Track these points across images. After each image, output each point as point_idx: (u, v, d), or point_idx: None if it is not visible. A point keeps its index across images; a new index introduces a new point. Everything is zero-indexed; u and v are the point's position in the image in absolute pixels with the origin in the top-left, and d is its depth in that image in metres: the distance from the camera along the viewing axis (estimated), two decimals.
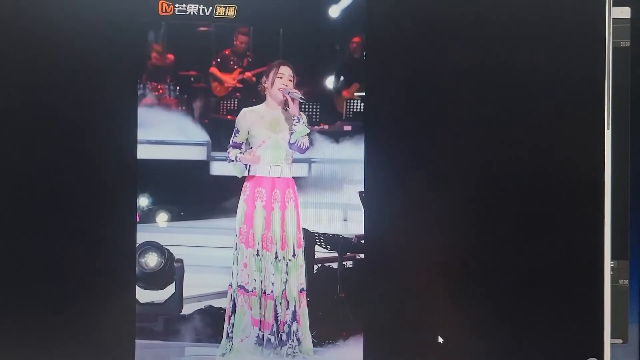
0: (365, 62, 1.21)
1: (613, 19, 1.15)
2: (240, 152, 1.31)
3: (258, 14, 1.23)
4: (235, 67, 1.28)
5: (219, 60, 1.27)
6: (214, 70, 1.27)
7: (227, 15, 1.23)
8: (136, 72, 1.23)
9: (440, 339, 1.19)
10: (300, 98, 1.27)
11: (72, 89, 1.22)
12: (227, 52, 1.27)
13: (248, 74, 1.29)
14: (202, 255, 1.31)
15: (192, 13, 1.24)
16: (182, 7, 1.24)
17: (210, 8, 1.24)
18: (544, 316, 1.17)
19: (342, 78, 1.25)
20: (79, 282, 1.23)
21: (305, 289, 1.32)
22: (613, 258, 1.20)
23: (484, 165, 1.18)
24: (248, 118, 1.31)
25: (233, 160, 1.31)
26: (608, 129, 1.15)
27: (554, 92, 1.16)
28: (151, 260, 1.28)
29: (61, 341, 1.23)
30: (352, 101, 1.25)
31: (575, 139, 1.16)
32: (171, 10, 1.24)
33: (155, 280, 1.29)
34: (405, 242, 1.20)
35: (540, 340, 1.17)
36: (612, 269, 1.23)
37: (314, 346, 1.28)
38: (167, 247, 1.28)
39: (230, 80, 1.28)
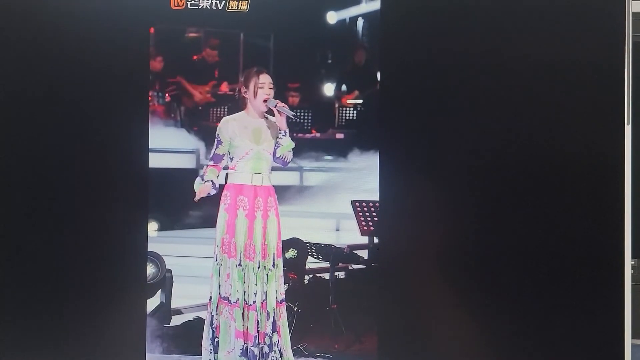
0: (378, 68, 1.19)
1: (633, 12, 1.15)
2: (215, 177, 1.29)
3: (250, 19, 1.21)
4: (215, 78, 1.26)
5: (197, 69, 1.25)
6: (191, 80, 1.25)
7: (240, 9, 1.21)
8: (145, 76, 1.21)
9: None
10: (294, 115, 1.26)
11: (82, 91, 1.20)
12: (203, 60, 1.25)
13: (224, 87, 1.27)
14: (191, 266, 1.29)
15: (204, 7, 1.21)
16: (194, 1, 1.21)
17: (223, 2, 1.21)
18: (563, 317, 1.16)
19: (340, 85, 1.24)
20: (86, 290, 1.20)
21: (284, 299, 1.30)
22: (633, 257, 1.19)
23: (501, 164, 1.17)
24: (230, 127, 1.29)
25: (202, 181, 1.29)
26: (628, 124, 1.14)
27: (573, 87, 1.15)
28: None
29: (70, 348, 1.21)
30: (344, 109, 1.24)
31: (595, 134, 1.15)
32: (183, 4, 1.21)
33: None
34: (414, 249, 1.18)
35: (560, 340, 1.17)
36: (633, 267, 1.22)
37: (305, 358, 1.25)
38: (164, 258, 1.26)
39: (201, 93, 1.26)
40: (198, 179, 1.28)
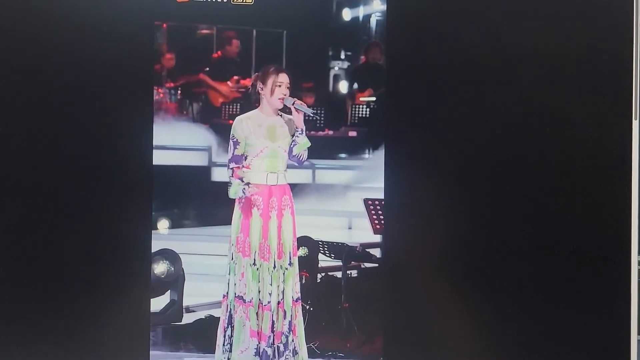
0: (385, 67, 1.18)
1: None
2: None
3: (264, 15, 1.21)
4: (228, 74, 1.26)
5: (210, 66, 1.25)
6: (204, 77, 1.25)
7: (245, 2, 1.20)
8: (149, 74, 1.21)
9: None
10: (312, 113, 1.25)
11: (86, 91, 1.20)
12: (216, 57, 1.25)
13: (247, 81, 1.27)
14: (203, 264, 1.29)
15: (209, 0, 1.21)
16: None
17: None
18: (569, 313, 1.15)
19: (353, 83, 1.23)
20: (91, 288, 1.20)
21: (300, 298, 1.29)
22: None
23: (508, 161, 1.15)
24: (245, 126, 1.29)
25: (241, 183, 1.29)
26: (636, 119, 1.12)
27: (580, 81, 1.14)
28: (158, 267, 1.25)
29: (73, 348, 1.21)
30: (357, 106, 1.23)
31: (602, 129, 1.13)
32: None
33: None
34: (420, 249, 1.17)
35: (565, 338, 1.15)
36: (639, 263, 1.20)
37: (316, 357, 1.25)
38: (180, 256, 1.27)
39: (226, 88, 1.26)
40: (234, 186, 1.28)
